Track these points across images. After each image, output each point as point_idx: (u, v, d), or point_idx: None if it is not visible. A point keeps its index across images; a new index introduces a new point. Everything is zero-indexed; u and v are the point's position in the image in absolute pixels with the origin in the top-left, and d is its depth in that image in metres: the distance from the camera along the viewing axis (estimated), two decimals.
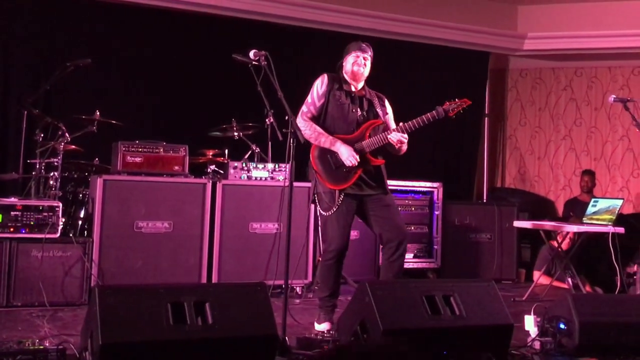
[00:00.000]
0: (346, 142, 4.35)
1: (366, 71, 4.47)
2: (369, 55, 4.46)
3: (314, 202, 4.46)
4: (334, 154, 4.36)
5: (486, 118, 8.71)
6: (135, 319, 3.08)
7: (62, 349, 3.37)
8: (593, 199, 6.50)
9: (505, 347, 3.76)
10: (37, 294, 4.93)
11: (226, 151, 6.30)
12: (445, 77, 8.36)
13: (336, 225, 4.32)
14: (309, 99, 4.45)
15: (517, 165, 9.15)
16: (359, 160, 4.30)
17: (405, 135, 4.33)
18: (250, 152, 6.12)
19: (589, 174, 8.11)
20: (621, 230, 5.80)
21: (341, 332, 3.83)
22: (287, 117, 4.01)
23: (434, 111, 4.31)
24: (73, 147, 5.72)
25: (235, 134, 6.22)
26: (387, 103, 4.59)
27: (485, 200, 8.45)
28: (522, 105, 9.16)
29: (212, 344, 3.17)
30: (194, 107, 7.06)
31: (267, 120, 5.65)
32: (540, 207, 8.60)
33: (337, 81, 4.45)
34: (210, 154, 6.25)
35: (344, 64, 4.48)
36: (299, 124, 4.35)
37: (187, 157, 5.67)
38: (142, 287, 3.54)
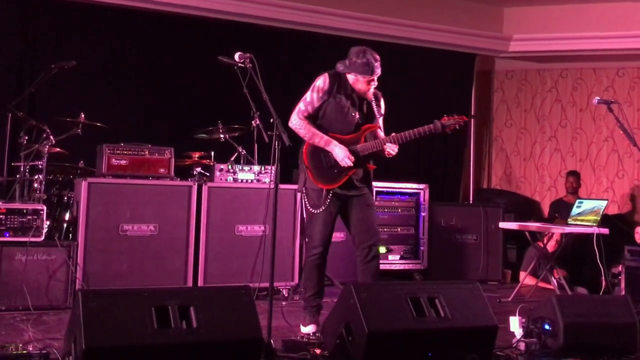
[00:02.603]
0: (341, 142, 4.34)
1: None
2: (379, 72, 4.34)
3: (300, 192, 4.46)
4: (328, 154, 4.35)
5: (472, 119, 8.74)
6: (119, 323, 3.06)
7: (46, 353, 3.36)
8: (577, 200, 6.54)
9: (490, 348, 3.77)
10: (21, 297, 4.89)
11: (212, 153, 6.27)
12: (431, 79, 8.39)
13: (322, 224, 4.35)
14: (307, 97, 4.39)
15: (503, 166, 9.18)
16: (354, 161, 4.30)
17: (396, 147, 4.34)
18: (236, 154, 6.11)
19: (574, 175, 8.16)
20: (605, 231, 5.84)
21: (326, 334, 3.83)
22: (272, 120, 4.01)
23: (431, 125, 4.31)
24: (58, 149, 5.67)
25: (222, 136, 6.20)
26: (382, 102, 4.54)
27: (471, 202, 8.48)
28: (507, 106, 9.19)
29: (196, 348, 3.17)
30: (179, 109, 7.03)
31: (253, 122, 5.63)
32: (526, 208, 8.64)
33: (338, 81, 4.37)
34: (196, 156, 6.22)
35: (350, 76, 4.34)
36: (293, 122, 4.38)
37: (173, 160, 5.65)
38: (126, 291, 3.53)
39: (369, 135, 4.43)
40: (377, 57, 4.33)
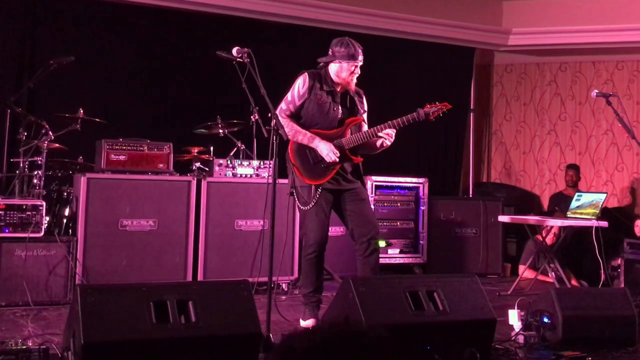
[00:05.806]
0: (325, 137, 4.35)
1: None
2: (362, 59, 4.40)
3: (291, 194, 4.45)
4: (313, 150, 4.36)
5: (471, 113, 8.75)
6: (117, 318, 3.07)
7: (45, 348, 3.36)
8: (577, 193, 6.54)
9: (489, 341, 3.78)
10: (21, 293, 4.90)
11: (211, 148, 6.28)
12: (430, 72, 8.39)
13: (315, 220, 4.33)
14: (288, 96, 4.43)
15: (502, 160, 9.18)
16: (339, 156, 4.31)
17: (393, 132, 4.33)
18: (235, 149, 6.11)
19: (574, 168, 8.16)
20: (604, 224, 5.84)
21: None
22: (269, 114, 4.01)
23: (414, 113, 4.32)
24: (57, 145, 5.68)
25: (221, 131, 6.20)
26: (364, 99, 4.57)
27: (470, 195, 8.48)
28: (507, 100, 9.19)
29: (195, 343, 3.17)
30: (178, 104, 7.04)
31: (252, 117, 5.63)
32: (525, 201, 8.65)
33: (318, 79, 4.40)
34: (195, 151, 6.22)
35: (333, 66, 4.38)
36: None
37: (172, 155, 5.65)
38: (125, 286, 3.53)
39: (353, 128, 4.44)
40: (359, 45, 4.39)
